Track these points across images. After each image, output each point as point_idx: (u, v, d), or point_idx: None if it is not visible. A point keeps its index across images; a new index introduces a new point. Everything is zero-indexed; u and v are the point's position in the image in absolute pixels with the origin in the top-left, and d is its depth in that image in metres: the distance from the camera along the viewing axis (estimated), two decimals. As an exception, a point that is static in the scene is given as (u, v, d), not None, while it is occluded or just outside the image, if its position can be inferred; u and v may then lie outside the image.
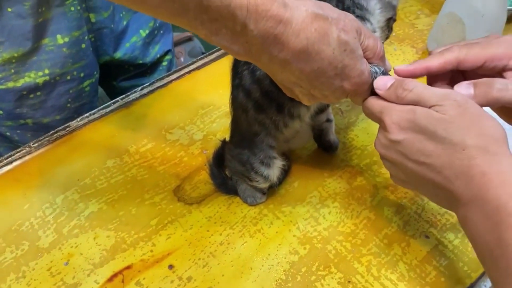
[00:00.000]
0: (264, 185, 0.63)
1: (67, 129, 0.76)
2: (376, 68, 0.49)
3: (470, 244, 0.58)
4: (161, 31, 0.99)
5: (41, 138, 0.75)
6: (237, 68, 0.59)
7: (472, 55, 0.49)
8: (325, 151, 0.71)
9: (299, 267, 0.59)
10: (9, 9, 0.72)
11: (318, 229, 0.62)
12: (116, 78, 1.00)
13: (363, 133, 0.73)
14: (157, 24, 0.97)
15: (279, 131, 0.60)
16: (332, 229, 0.62)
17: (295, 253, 0.60)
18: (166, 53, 1.02)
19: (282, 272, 0.59)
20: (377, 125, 0.74)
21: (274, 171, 0.62)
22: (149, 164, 0.71)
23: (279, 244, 0.61)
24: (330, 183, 0.67)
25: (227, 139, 0.68)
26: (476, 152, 0.43)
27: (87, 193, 0.68)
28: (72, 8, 0.78)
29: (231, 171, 0.66)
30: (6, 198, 0.68)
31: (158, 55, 1.00)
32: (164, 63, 1.03)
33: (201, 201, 0.66)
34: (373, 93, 0.50)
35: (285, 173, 0.67)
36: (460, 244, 0.60)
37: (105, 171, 0.71)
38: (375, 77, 0.49)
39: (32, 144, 0.74)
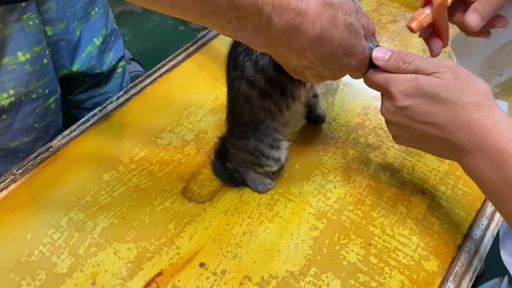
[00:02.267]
0: (275, 167, 0.66)
1: (50, 150, 0.72)
2: (370, 43, 0.55)
3: (460, 193, 0.68)
4: (112, 38, 0.97)
5: (24, 163, 0.71)
6: (236, 61, 0.61)
7: None
8: (315, 124, 0.77)
9: (322, 240, 0.64)
10: (-34, 31, 0.67)
11: (329, 203, 0.67)
12: (73, 91, 0.96)
13: (342, 111, 0.79)
14: (108, 31, 0.95)
15: (282, 114, 0.65)
16: (341, 201, 0.68)
17: (315, 228, 0.65)
18: (120, 59, 1.00)
19: (308, 248, 0.63)
20: (353, 101, 0.81)
21: (283, 152, 0.66)
22: (148, 171, 0.71)
23: (298, 224, 0.65)
24: (328, 160, 0.72)
25: (225, 135, 0.70)
26: (473, 108, 0.50)
27: (91, 210, 0.66)
28: (30, 23, 0.74)
29: (238, 163, 0.68)
30: (4, 231, 0.64)
31: (114, 62, 0.97)
32: (119, 70, 1.01)
33: (212, 198, 0.68)
34: (371, 66, 0.56)
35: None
36: (451, 194, 0.68)
37: (104, 185, 0.69)
38: (371, 51, 0.55)
39: (16, 171, 0.70)
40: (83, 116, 0.98)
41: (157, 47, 1.88)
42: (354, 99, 0.81)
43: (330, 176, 0.70)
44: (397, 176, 0.70)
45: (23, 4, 0.72)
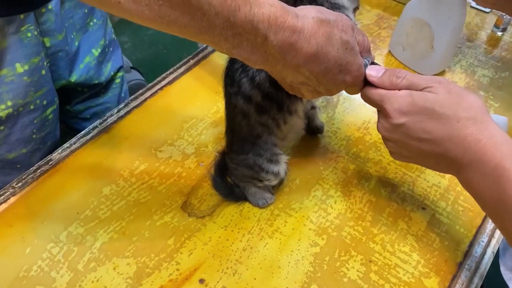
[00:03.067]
0: (275, 181, 0.66)
1: (50, 163, 0.72)
2: (366, 60, 0.55)
3: (460, 209, 0.68)
4: (111, 48, 0.97)
5: (23, 176, 0.70)
6: (233, 77, 0.62)
7: None
8: (313, 134, 0.77)
9: (323, 256, 0.63)
10: (-36, 43, 0.67)
11: (330, 219, 0.67)
12: (70, 102, 0.95)
13: (343, 125, 0.79)
14: (107, 42, 0.94)
15: (279, 129, 0.65)
16: (342, 216, 0.67)
17: (315, 244, 0.64)
18: (118, 69, 1.00)
19: (309, 265, 0.62)
20: (353, 115, 0.81)
21: (282, 166, 0.66)
22: (148, 185, 0.70)
23: (299, 239, 0.65)
24: (328, 175, 0.72)
25: (225, 149, 0.70)
26: (468, 123, 0.50)
27: (91, 225, 0.66)
28: (29, 34, 0.74)
29: (238, 178, 0.68)
30: (3, 245, 0.63)
31: (112, 73, 0.97)
32: (117, 80, 1.00)
33: (212, 213, 0.68)
34: (367, 82, 0.56)
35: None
36: (452, 210, 0.68)
37: (104, 199, 0.69)
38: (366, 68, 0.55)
39: (16, 184, 0.69)
40: (81, 126, 0.98)
41: (157, 55, 1.88)
42: (354, 113, 0.81)
43: (331, 191, 0.70)
44: (397, 191, 0.70)
45: (22, 15, 0.72)
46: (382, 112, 0.56)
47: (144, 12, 0.43)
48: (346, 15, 0.61)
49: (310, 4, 0.58)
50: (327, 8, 0.55)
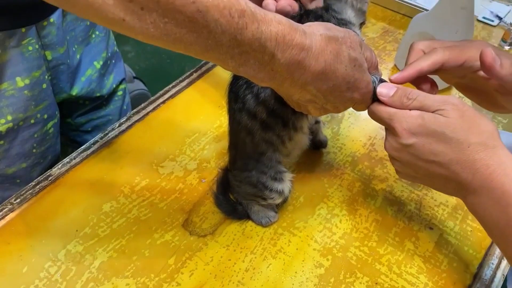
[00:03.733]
0: (279, 200, 0.65)
1: (50, 178, 0.71)
2: (373, 77, 0.54)
3: (468, 229, 0.66)
4: (113, 61, 0.96)
5: (22, 192, 0.69)
6: (237, 93, 0.60)
7: (454, 56, 0.56)
8: (317, 149, 0.76)
9: (328, 278, 0.62)
10: (-36, 57, 0.66)
11: (335, 239, 0.65)
12: (72, 115, 0.94)
13: (348, 141, 0.78)
14: (109, 54, 0.93)
15: (284, 145, 0.63)
16: (347, 236, 0.66)
17: (320, 266, 0.63)
18: (121, 82, 0.99)
19: (313, 287, 0.61)
20: (359, 130, 0.80)
21: (286, 184, 0.64)
22: (149, 202, 0.69)
23: (303, 260, 0.63)
24: (333, 193, 0.71)
25: (227, 166, 0.68)
26: (478, 148, 0.49)
27: (90, 243, 0.64)
28: (30, 48, 0.73)
29: (241, 196, 0.67)
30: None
31: (114, 85, 0.96)
32: (120, 93, 0.99)
33: (214, 231, 0.66)
34: (374, 98, 0.54)
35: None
36: (460, 230, 0.66)
37: (103, 216, 0.67)
38: (374, 85, 0.54)
39: (14, 201, 0.68)
40: (82, 139, 0.97)
41: (161, 65, 1.88)
42: (360, 129, 0.80)
43: (336, 210, 0.69)
44: (404, 210, 0.69)
45: (23, 29, 0.71)
46: (391, 131, 0.54)
47: (149, 30, 0.42)
48: (353, 31, 0.60)
49: (317, 20, 0.57)
50: (334, 24, 0.54)
